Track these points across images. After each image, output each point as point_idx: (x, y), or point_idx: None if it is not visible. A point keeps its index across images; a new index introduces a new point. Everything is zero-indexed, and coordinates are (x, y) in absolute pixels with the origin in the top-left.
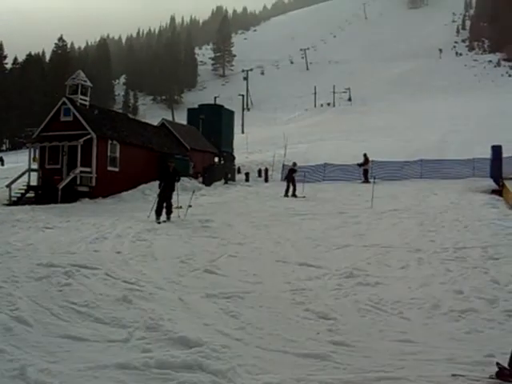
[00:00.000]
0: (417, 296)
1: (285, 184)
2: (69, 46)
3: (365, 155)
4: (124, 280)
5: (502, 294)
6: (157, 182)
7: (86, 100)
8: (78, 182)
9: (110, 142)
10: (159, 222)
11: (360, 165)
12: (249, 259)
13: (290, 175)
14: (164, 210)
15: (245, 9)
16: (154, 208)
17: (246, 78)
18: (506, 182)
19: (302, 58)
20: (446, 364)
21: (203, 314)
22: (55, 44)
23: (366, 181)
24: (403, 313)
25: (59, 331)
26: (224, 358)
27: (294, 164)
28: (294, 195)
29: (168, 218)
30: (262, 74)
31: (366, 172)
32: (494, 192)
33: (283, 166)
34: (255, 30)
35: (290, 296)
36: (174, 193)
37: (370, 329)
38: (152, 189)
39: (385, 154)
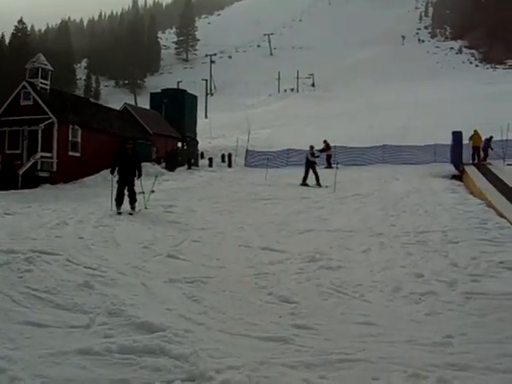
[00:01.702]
0: (378, 279)
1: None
2: (29, 28)
3: (325, 141)
4: (86, 266)
5: (460, 277)
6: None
7: (46, 84)
8: (39, 168)
9: (71, 126)
10: (120, 213)
11: (321, 151)
12: (212, 244)
13: (309, 160)
14: (127, 200)
15: None
16: (114, 196)
17: (213, 62)
18: (467, 168)
19: (265, 42)
20: (406, 345)
21: (166, 298)
22: (15, 27)
23: (329, 166)
24: (365, 296)
25: (20, 318)
26: (186, 343)
27: (312, 147)
28: (318, 184)
29: (132, 207)
30: (230, 57)
31: (328, 158)
32: (454, 177)
33: (247, 151)
34: (219, 15)
35: (253, 280)
36: (136, 178)
37: (332, 312)
38: (114, 174)
39: (348, 140)
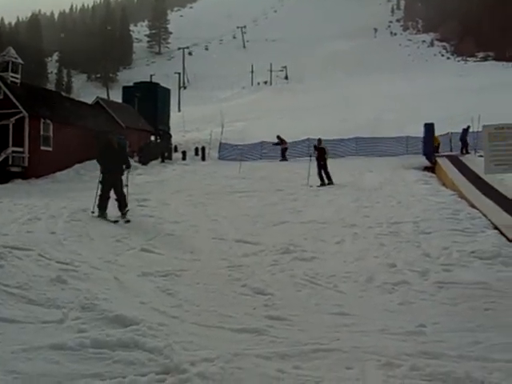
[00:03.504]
0: (352, 270)
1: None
2: None
3: (278, 137)
4: (58, 260)
5: (433, 267)
6: (93, 162)
7: (17, 78)
8: (10, 163)
9: (42, 120)
10: (116, 221)
11: (276, 144)
12: (185, 237)
13: (316, 157)
14: (116, 204)
15: None
16: (97, 201)
17: (190, 54)
18: (439, 159)
19: (234, 37)
20: (379, 335)
21: (139, 292)
22: None
23: (284, 159)
24: (338, 286)
25: None
26: (160, 336)
27: (320, 141)
28: (329, 182)
29: (123, 214)
30: (207, 49)
31: (284, 151)
32: (426, 169)
33: (220, 144)
34: (191, 7)
35: (227, 272)
36: (124, 176)
37: (306, 303)
38: (87, 168)
39: (321, 132)
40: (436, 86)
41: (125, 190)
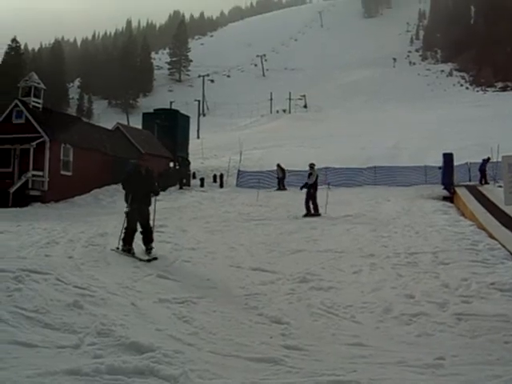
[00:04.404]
0: (369, 300)
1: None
2: (22, 47)
3: (278, 165)
4: (75, 285)
5: (451, 298)
6: (112, 187)
7: (39, 103)
8: (30, 186)
9: (63, 145)
10: (149, 260)
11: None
12: (202, 264)
13: (308, 184)
14: (140, 237)
15: (202, 14)
16: (122, 234)
17: (212, 81)
18: (458, 189)
19: (256, 65)
20: (396, 367)
21: (156, 319)
22: (8, 45)
23: (282, 188)
24: (355, 317)
25: (8, 337)
26: (176, 363)
27: (311, 166)
28: (315, 213)
29: (148, 250)
30: (228, 76)
31: (282, 179)
32: (445, 199)
33: (238, 171)
34: (212, 36)
35: (244, 301)
36: (151, 207)
37: (323, 333)
38: (106, 193)
39: (339, 161)
40: (455, 115)
41: (151, 221)
